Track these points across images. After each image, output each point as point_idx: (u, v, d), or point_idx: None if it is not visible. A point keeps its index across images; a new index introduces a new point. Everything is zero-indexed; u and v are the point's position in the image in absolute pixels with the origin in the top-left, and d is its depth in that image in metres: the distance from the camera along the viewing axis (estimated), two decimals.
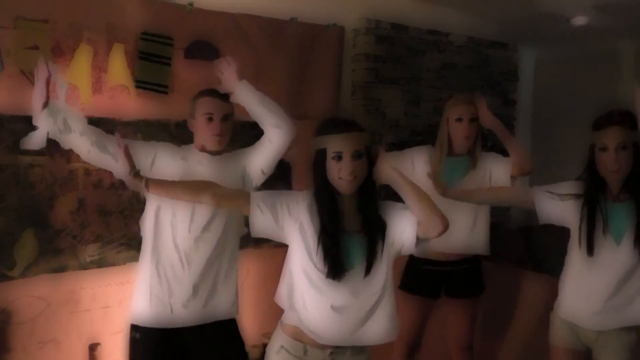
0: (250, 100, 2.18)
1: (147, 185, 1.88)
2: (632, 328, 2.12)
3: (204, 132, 2.14)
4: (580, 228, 2.13)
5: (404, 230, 1.74)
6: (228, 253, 2.20)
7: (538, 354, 2.56)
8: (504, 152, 2.64)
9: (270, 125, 2.18)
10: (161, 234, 2.12)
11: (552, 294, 2.29)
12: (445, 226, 1.67)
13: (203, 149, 2.18)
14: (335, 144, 1.70)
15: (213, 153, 2.18)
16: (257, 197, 1.81)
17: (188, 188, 1.94)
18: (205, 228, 2.12)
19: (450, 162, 2.66)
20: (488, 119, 2.60)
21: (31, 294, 2.69)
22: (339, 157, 1.69)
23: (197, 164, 2.15)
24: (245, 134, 2.46)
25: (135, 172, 1.91)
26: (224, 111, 2.14)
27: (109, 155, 2.07)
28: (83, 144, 2.06)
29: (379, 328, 1.77)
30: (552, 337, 2.28)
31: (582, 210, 2.13)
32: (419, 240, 1.73)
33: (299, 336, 1.80)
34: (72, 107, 2.13)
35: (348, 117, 1.83)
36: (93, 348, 2.84)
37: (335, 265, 1.70)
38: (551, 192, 2.20)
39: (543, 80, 5.10)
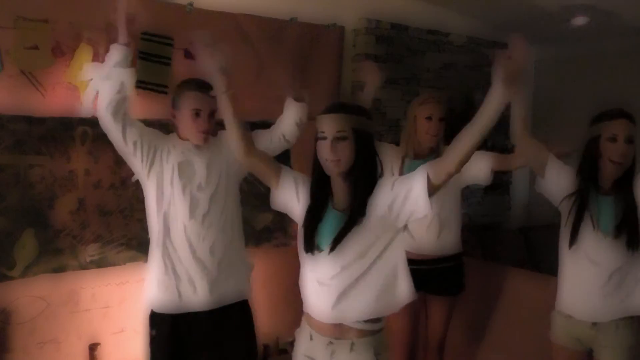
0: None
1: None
2: (631, 325, 2.13)
3: (190, 127, 2.15)
4: (567, 219, 2.17)
5: (406, 197, 1.69)
6: (234, 235, 2.24)
7: (538, 354, 2.57)
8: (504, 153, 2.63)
9: (294, 122, 2.27)
10: (171, 225, 2.15)
11: (552, 293, 2.30)
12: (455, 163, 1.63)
13: (186, 139, 2.19)
14: (320, 124, 1.74)
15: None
16: (288, 171, 1.87)
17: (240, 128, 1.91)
18: (207, 213, 2.14)
19: (416, 164, 2.64)
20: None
21: (31, 294, 2.69)
22: (323, 138, 1.72)
23: (188, 152, 2.17)
24: None
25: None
26: (210, 107, 2.13)
27: None
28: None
29: (360, 304, 1.75)
30: (553, 336, 2.29)
31: (573, 202, 2.16)
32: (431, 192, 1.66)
33: (308, 320, 1.85)
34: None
35: (347, 101, 1.85)
36: (93, 348, 2.83)
37: (307, 239, 1.76)
38: (560, 172, 2.22)
39: (543, 80, 5.10)
